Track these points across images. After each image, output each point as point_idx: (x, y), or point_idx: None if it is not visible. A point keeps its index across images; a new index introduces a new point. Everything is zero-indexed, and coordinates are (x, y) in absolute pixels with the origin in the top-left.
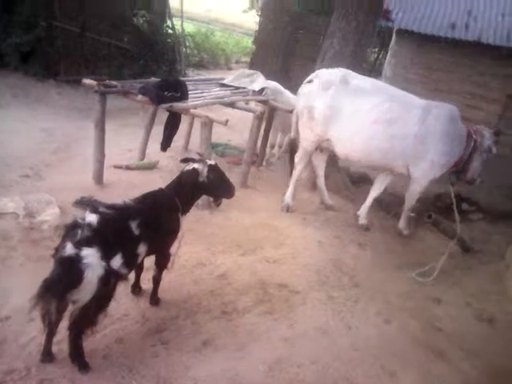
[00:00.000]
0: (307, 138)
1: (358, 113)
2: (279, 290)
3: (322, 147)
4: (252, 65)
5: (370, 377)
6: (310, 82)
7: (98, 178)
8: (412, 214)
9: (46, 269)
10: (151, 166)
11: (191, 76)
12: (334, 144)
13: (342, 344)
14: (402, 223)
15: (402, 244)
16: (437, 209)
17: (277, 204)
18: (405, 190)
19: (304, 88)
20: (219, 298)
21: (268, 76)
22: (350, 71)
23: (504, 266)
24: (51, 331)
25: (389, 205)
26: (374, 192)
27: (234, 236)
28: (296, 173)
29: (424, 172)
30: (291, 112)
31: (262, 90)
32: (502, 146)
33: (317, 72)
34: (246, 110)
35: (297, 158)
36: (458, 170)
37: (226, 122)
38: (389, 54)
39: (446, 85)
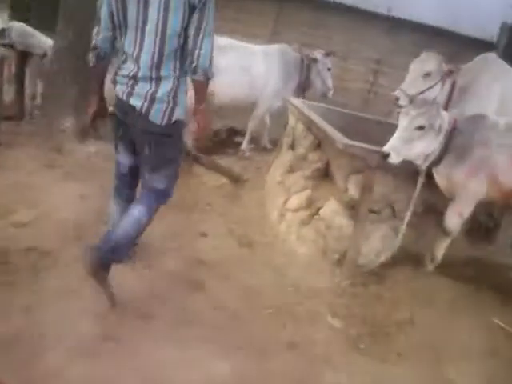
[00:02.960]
0: None
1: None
2: (26, 256)
3: None
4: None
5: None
6: None
7: None
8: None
9: None
10: None
11: None
12: (216, 95)
13: (88, 304)
14: (244, 145)
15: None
16: (215, 144)
17: (39, 160)
18: None
19: None
20: None
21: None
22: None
23: (266, 192)
24: None
25: None
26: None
27: None
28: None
29: (268, 99)
30: (44, 56)
31: (3, 30)
32: None
33: None
34: None
35: None
36: (302, 89)
37: None
38: None
39: None
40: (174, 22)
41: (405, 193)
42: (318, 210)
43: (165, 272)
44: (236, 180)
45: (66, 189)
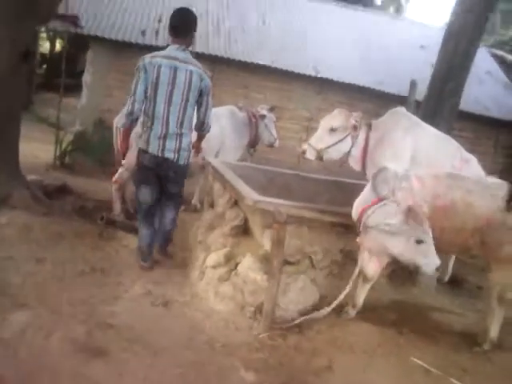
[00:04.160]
0: None
1: None
2: None
3: None
4: None
5: None
6: None
7: None
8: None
9: None
10: None
11: None
12: None
13: None
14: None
15: (92, 248)
16: None
17: None
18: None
19: None
20: None
21: None
22: None
23: (189, 251)
24: None
25: (92, 211)
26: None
27: None
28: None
29: (229, 157)
30: None
31: None
32: None
33: None
34: None
35: None
36: (252, 143)
37: None
38: (87, 61)
39: None
40: (192, 99)
41: (320, 244)
42: (237, 265)
43: (65, 340)
44: None
45: None
